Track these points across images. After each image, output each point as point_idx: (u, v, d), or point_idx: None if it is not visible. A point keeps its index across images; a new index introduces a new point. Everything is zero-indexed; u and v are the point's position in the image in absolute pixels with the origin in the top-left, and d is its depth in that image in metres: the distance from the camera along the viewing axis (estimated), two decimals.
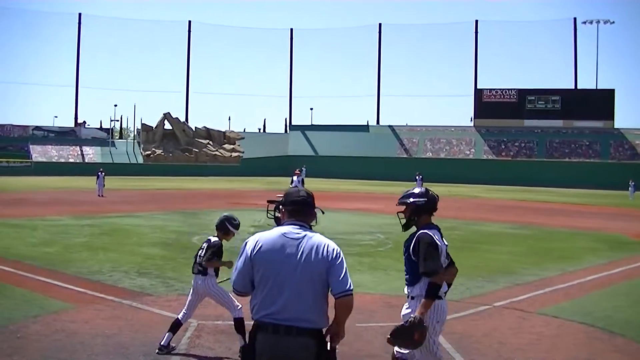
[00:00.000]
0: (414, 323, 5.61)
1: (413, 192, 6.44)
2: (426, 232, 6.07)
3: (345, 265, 4.64)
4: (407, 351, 6.11)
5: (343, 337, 4.77)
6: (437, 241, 6.05)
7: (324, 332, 4.66)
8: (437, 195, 6.47)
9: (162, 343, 8.27)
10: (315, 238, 4.66)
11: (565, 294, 12.78)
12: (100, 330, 9.22)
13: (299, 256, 4.55)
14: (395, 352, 6.25)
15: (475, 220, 28.63)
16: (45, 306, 10.64)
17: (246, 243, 4.71)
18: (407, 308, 6.21)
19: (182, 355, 8.19)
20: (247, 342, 4.71)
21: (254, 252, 4.60)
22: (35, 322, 9.60)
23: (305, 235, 4.65)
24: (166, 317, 10.10)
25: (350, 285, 4.60)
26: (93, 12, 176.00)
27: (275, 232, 4.68)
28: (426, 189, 6.51)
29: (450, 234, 22.63)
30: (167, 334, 8.34)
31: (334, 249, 4.64)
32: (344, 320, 4.70)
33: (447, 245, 6.22)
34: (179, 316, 8.51)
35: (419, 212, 6.29)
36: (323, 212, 5.18)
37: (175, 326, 8.41)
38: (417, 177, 46.37)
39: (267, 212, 4.25)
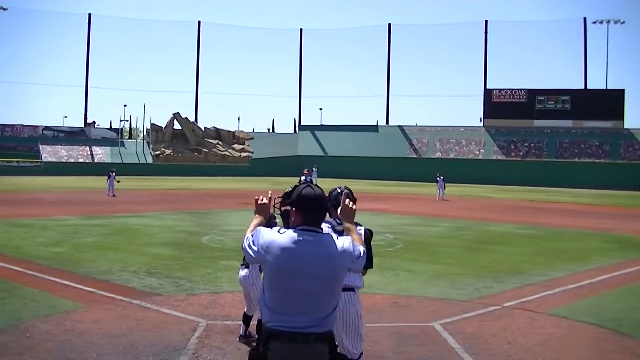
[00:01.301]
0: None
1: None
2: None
3: (360, 249, 4.62)
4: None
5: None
6: None
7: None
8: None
9: (240, 334, 8.76)
10: (331, 242, 4.52)
11: (575, 295, 12.74)
12: (109, 330, 9.23)
13: (315, 262, 4.38)
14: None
15: (485, 221, 28.57)
16: (54, 306, 10.67)
17: (261, 238, 4.50)
18: None
19: (192, 355, 8.19)
20: (258, 348, 4.47)
21: (267, 255, 4.42)
22: (44, 321, 9.62)
23: (319, 240, 4.49)
24: (175, 317, 10.12)
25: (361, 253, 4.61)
26: (103, 12, 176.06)
27: (289, 238, 4.44)
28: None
29: (460, 234, 22.69)
30: (241, 324, 8.86)
31: (348, 251, 4.54)
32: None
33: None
34: (245, 310, 8.88)
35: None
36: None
37: (247, 318, 8.80)
38: (438, 178, 46.14)
39: (273, 208, 4.19)
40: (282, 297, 4.38)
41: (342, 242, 4.54)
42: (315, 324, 4.35)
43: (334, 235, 4.64)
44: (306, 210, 4.52)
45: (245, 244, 4.58)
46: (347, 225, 4.88)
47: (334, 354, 4.45)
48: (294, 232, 4.47)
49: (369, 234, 6.41)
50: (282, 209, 4.78)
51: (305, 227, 4.49)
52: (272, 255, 4.38)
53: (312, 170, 67.73)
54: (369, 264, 6.21)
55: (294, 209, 4.63)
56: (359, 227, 6.32)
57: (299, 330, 4.30)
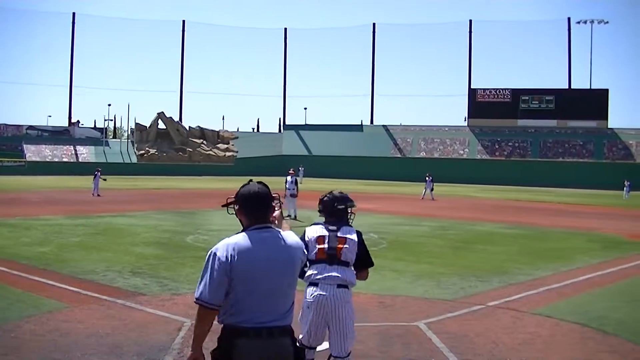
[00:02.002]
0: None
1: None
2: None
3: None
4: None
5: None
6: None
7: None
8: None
9: None
10: (284, 236, 4.55)
11: (559, 294, 12.80)
12: (94, 329, 9.20)
13: (280, 259, 4.43)
14: None
15: (469, 220, 28.66)
16: (39, 306, 10.62)
17: (215, 253, 4.38)
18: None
19: (177, 354, 8.18)
20: (220, 348, 4.38)
21: (231, 261, 4.30)
22: (29, 321, 9.58)
23: (277, 237, 4.52)
24: (160, 316, 10.11)
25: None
26: (87, 11, 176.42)
27: (247, 237, 4.41)
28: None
29: (445, 234, 22.74)
30: None
31: (301, 244, 4.69)
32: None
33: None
34: None
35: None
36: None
37: None
38: (427, 178, 46.19)
39: (227, 210, 4.14)
40: (248, 296, 4.34)
41: (291, 235, 4.65)
42: (278, 318, 4.37)
43: (283, 232, 4.63)
44: (248, 209, 4.51)
45: (202, 285, 4.43)
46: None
47: (295, 347, 4.47)
48: (249, 232, 4.46)
49: (360, 235, 6.48)
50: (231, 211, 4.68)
51: (257, 226, 4.47)
52: (238, 260, 4.30)
53: (299, 170, 67.79)
54: (369, 262, 6.53)
55: (238, 209, 4.60)
56: (351, 230, 6.43)
57: (264, 325, 4.29)
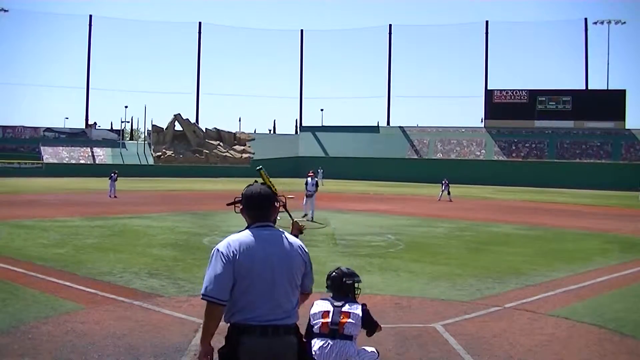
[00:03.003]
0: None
1: None
2: None
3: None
4: None
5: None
6: None
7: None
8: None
9: None
10: (287, 237, 4.74)
11: (576, 295, 12.73)
12: (110, 331, 9.24)
13: (279, 256, 4.58)
14: None
15: (486, 222, 28.57)
16: (56, 307, 10.67)
17: (219, 249, 4.56)
18: None
19: (193, 356, 8.18)
20: (227, 346, 4.53)
21: (235, 256, 4.47)
22: (46, 322, 9.63)
23: (278, 235, 4.70)
24: (177, 318, 10.13)
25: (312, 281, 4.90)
26: (104, 13, 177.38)
27: (249, 235, 4.62)
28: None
29: (461, 235, 22.68)
30: None
31: (305, 248, 4.81)
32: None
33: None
34: None
35: None
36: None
37: None
38: (443, 183, 46.05)
39: (234, 208, 4.26)
40: (255, 293, 4.47)
41: (294, 239, 4.81)
42: (283, 316, 4.51)
43: (286, 232, 4.84)
44: (251, 207, 4.73)
45: (209, 280, 4.50)
46: None
47: (301, 345, 4.70)
48: (251, 229, 4.68)
49: (365, 309, 6.62)
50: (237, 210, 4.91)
51: (258, 224, 4.69)
52: (242, 256, 4.47)
53: (318, 172, 67.89)
54: (375, 326, 6.71)
55: (242, 209, 4.82)
56: (355, 306, 6.57)
57: (269, 323, 4.44)
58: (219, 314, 4.49)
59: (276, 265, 4.53)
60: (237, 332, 4.47)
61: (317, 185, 28.24)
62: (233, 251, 4.48)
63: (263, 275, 4.48)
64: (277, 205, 4.92)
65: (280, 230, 4.77)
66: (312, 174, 29.01)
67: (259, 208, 4.73)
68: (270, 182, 5.25)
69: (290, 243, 4.68)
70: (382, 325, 6.91)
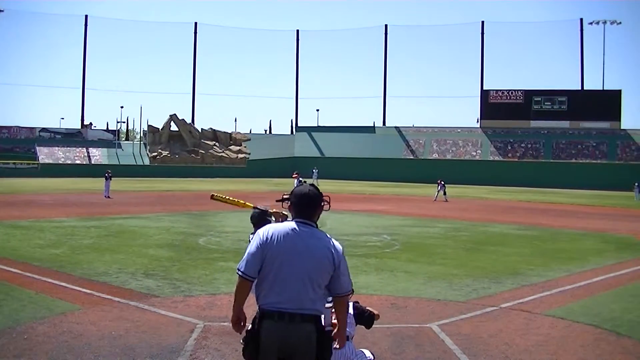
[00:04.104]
0: None
1: None
2: None
3: (347, 265, 5.15)
4: None
5: (345, 331, 5.27)
6: None
7: (322, 320, 5.06)
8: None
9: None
10: (321, 235, 5.08)
11: (572, 295, 12.75)
12: (106, 331, 9.23)
13: (305, 249, 4.93)
14: None
15: (482, 222, 28.59)
16: (52, 307, 10.66)
17: (259, 232, 5.08)
18: None
19: (189, 356, 8.18)
20: (253, 328, 4.97)
21: (267, 241, 4.95)
22: (42, 323, 9.62)
23: (312, 231, 5.06)
24: (173, 318, 10.13)
25: (351, 286, 5.18)
26: (99, 14, 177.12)
27: (285, 226, 5.07)
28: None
29: (457, 235, 22.70)
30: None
31: (340, 249, 5.08)
32: (343, 317, 5.17)
33: None
34: None
35: None
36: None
37: None
38: (438, 184, 46.10)
39: (282, 204, 4.66)
40: (276, 280, 4.91)
41: (333, 241, 5.11)
42: (302, 305, 4.88)
43: (327, 234, 5.15)
44: (296, 205, 5.14)
45: (245, 256, 5.03)
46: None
47: (321, 335, 4.96)
48: (291, 222, 5.12)
49: (357, 305, 6.62)
50: (285, 205, 5.41)
51: (300, 220, 5.09)
52: (272, 242, 4.94)
53: (312, 172, 67.91)
54: (370, 318, 6.74)
55: (290, 206, 5.25)
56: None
57: (287, 310, 4.85)
58: (246, 287, 5.03)
59: (298, 259, 4.91)
60: (261, 315, 4.94)
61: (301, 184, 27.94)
62: (267, 237, 4.97)
63: (285, 265, 4.90)
64: (323, 206, 5.28)
65: (320, 230, 5.15)
66: (296, 175, 28.76)
67: (302, 206, 5.13)
68: (230, 199, 5.81)
69: (322, 243, 5.03)
70: (378, 326, 6.90)
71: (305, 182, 25.45)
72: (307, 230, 5.04)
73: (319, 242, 5.02)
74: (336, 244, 5.10)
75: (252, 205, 5.75)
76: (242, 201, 5.99)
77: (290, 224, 5.08)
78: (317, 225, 5.18)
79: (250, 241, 5.26)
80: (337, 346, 5.19)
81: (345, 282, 5.09)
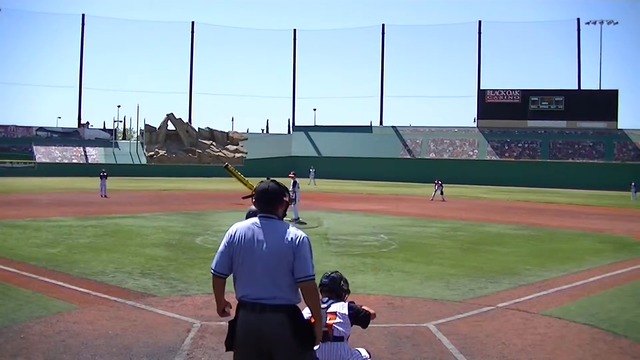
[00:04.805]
0: None
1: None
2: None
3: (309, 251, 5.26)
4: None
5: (322, 320, 5.53)
6: None
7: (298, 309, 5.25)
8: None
9: None
10: (281, 226, 5.32)
11: (569, 295, 12.75)
12: (103, 331, 9.22)
13: (267, 242, 5.18)
14: None
15: (479, 221, 28.59)
16: (48, 307, 10.65)
17: (228, 231, 5.40)
18: None
19: (186, 356, 8.18)
20: (233, 318, 5.31)
21: (232, 238, 5.29)
22: (38, 322, 9.61)
23: (272, 224, 5.31)
24: (170, 317, 10.12)
25: (311, 271, 5.21)
26: (96, 13, 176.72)
27: (248, 222, 5.36)
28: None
29: (454, 235, 22.69)
30: None
31: (298, 236, 5.24)
32: (312, 305, 5.28)
33: None
34: None
35: None
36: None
37: None
38: (435, 184, 46.14)
39: (252, 199, 4.82)
40: (246, 273, 5.19)
41: (294, 230, 5.33)
42: (272, 296, 5.11)
43: (289, 225, 5.41)
44: (259, 200, 5.43)
45: (218, 249, 5.39)
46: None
47: (297, 325, 5.17)
48: (254, 218, 5.40)
49: (351, 305, 6.61)
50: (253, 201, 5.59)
51: (262, 215, 5.37)
52: (236, 239, 5.27)
53: (310, 171, 67.94)
54: (366, 318, 6.71)
55: (255, 201, 5.52)
56: (341, 304, 6.57)
57: (259, 301, 5.11)
58: (219, 284, 5.39)
59: (262, 250, 5.16)
60: (238, 307, 5.25)
61: (294, 185, 27.44)
62: (232, 235, 5.31)
63: (249, 257, 5.18)
64: (285, 200, 5.52)
65: (282, 222, 5.40)
66: (292, 175, 28.54)
67: (263, 201, 5.39)
68: (240, 175, 6.20)
69: (284, 233, 5.23)
70: (375, 326, 6.89)
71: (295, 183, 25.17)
72: (267, 223, 5.29)
73: (278, 233, 5.22)
74: (297, 231, 5.28)
75: (253, 188, 5.81)
76: (250, 183, 6.27)
77: (253, 220, 5.35)
78: (281, 217, 5.44)
79: None
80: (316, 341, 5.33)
81: (302, 266, 5.17)
